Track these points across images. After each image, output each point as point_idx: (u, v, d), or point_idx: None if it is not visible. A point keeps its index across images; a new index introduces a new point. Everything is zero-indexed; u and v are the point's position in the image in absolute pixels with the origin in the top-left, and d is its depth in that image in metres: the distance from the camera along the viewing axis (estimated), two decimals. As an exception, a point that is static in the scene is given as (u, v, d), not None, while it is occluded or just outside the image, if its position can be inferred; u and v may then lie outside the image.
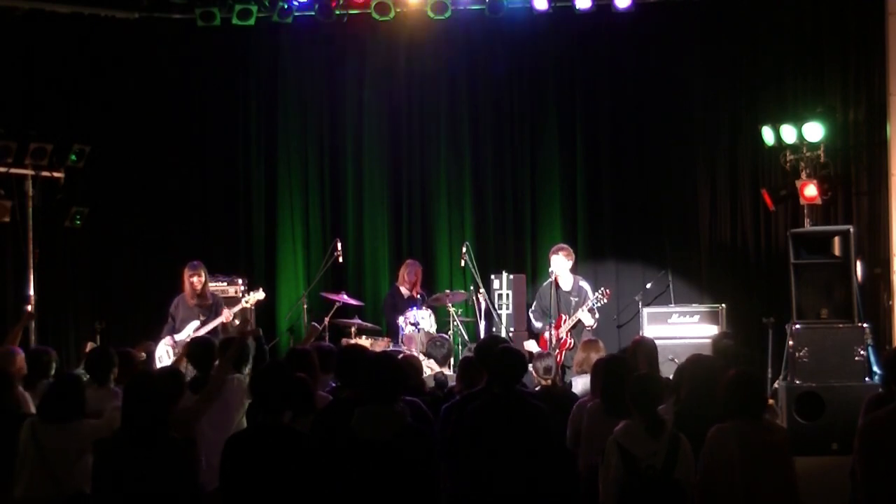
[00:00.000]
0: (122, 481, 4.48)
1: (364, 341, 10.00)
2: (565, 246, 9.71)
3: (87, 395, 5.79)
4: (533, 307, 9.95)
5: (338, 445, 4.58)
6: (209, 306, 9.18)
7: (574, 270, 9.81)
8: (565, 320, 9.39)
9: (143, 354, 7.21)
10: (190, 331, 8.95)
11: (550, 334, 9.39)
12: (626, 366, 5.80)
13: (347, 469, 4.52)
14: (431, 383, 7.41)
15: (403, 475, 4.53)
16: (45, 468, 5.18)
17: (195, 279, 9.17)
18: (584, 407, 5.84)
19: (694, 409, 5.39)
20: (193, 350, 6.31)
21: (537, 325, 9.75)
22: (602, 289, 9.57)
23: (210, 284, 9.85)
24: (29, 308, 10.02)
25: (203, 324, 9.01)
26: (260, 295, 9.58)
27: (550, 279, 9.53)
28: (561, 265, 9.50)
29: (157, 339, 9.09)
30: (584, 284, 9.69)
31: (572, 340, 9.30)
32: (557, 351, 9.14)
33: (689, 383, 5.54)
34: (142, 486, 4.46)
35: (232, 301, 9.99)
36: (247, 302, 9.48)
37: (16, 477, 5.27)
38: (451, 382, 7.69)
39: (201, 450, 5.02)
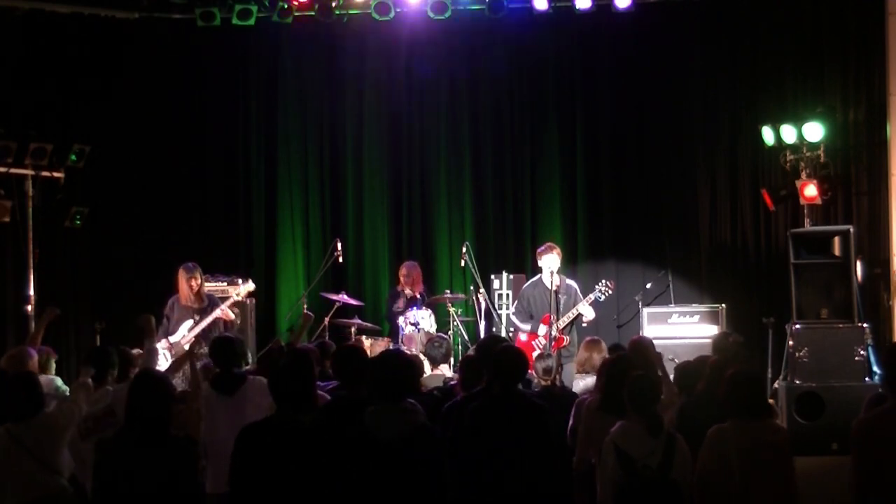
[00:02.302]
0: (124, 479, 4.48)
1: (364, 341, 10.00)
2: (554, 244, 9.59)
3: (85, 395, 5.80)
4: (515, 310, 9.71)
5: (349, 444, 4.56)
6: (204, 307, 9.00)
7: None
8: (554, 319, 9.20)
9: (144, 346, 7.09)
10: (184, 331, 8.84)
11: (549, 332, 9.29)
12: (629, 366, 5.80)
13: (360, 467, 4.50)
14: (439, 384, 7.35)
15: (416, 474, 4.52)
16: (36, 465, 5.19)
17: (192, 282, 8.95)
18: (584, 404, 5.87)
19: (697, 409, 5.40)
20: (215, 348, 6.31)
21: (525, 326, 9.51)
22: (604, 280, 9.43)
23: (210, 284, 9.82)
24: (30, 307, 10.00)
25: (197, 323, 8.89)
26: (250, 286, 9.45)
27: (554, 279, 9.20)
28: (556, 264, 9.34)
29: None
30: (571, 282, 9.61)
31: (568, 338, 9.25)
32: (552, 347, 9.05)
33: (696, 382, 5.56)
34: (144, 484, 4.45)
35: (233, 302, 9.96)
36: (237, 295, 9.33)
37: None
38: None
39: (223, 452, 4.97)
